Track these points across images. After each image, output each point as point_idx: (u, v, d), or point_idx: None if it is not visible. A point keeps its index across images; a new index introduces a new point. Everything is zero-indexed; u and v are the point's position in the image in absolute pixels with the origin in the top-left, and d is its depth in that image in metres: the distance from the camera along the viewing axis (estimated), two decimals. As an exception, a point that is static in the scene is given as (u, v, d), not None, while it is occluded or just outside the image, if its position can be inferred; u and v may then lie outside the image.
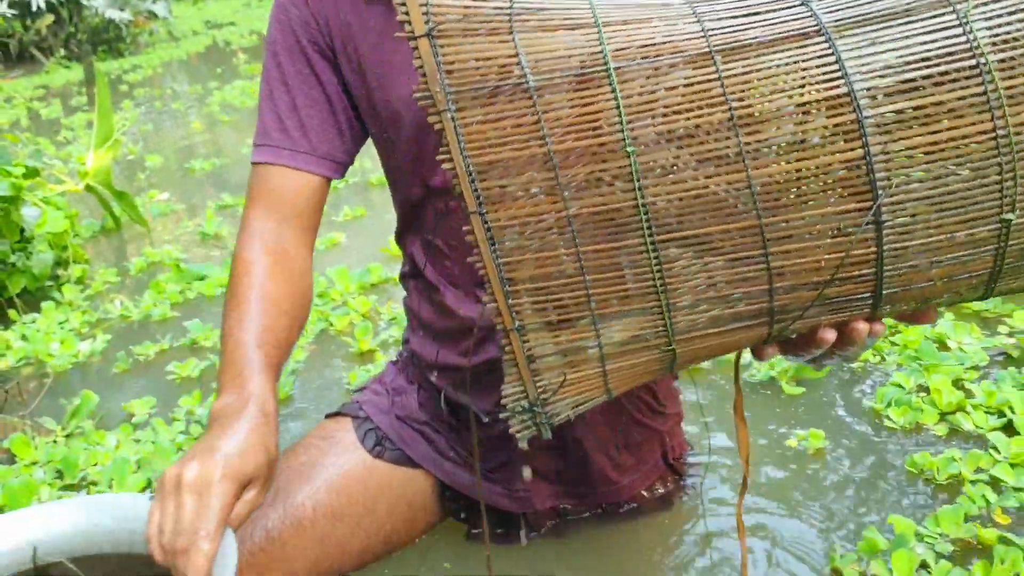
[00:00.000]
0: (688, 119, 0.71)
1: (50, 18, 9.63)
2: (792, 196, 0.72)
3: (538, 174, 0.72)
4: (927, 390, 1.66)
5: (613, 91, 0.71)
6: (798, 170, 0.71)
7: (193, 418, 1.97)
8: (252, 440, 0.94)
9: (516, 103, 0.72)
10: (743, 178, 0.71)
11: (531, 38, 0.72)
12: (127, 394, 2.14)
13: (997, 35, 0.69)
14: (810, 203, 0.72)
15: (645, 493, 1.42)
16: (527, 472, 1.01)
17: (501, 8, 0.72)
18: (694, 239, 0.73)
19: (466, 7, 0.72)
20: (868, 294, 0.76)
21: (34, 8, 9.42)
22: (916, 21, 0.70)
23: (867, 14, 0.71)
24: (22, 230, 2.77)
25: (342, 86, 1.21)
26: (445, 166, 0.74)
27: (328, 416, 1.43)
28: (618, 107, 0.71)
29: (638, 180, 0.72)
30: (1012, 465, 1.40)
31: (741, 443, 0.96)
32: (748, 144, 0.71)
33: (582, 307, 0.76)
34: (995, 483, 1.38)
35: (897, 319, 0.85)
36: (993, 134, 0.69)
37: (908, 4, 0.71)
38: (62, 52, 9.49)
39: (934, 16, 0.70)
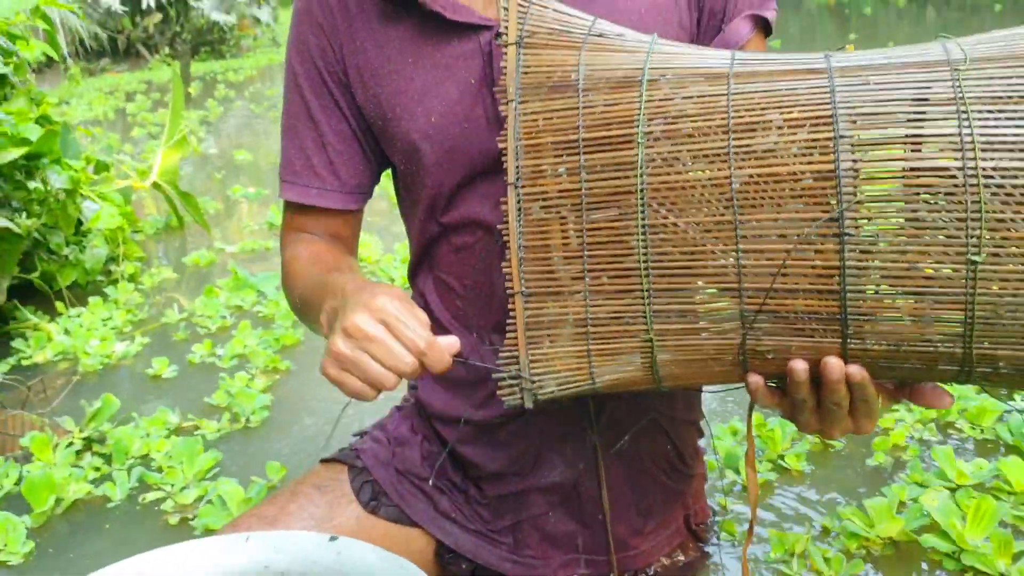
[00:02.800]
0: (693, 122, 0.82)
1: (158, 16, 9.94)
2: (765, 198, 0.79)
3: (567, 157, 0.86)
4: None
5: (640, 94, 0.84)
6: (774, 174, 0.78)
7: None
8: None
9: (566, 99, 0.87)
10: (727, 175, 0.80)
11: (594, 55, 0.88)
12: (150, 404, 2.08)
13: (984, 95, 0.73)
14: (780, 206, 0.78)
15: (665, 560, 1.29)
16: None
17: (581, 30, 0.89)
18: (679, 227, 0.82)
19: (554, 28, 0.89)
20: (834, 315, 0.78)
21: (144, 6, 9.72)
22: (912, 71, 0.77)
23: (870, 64, 0.79)
24: (79, 223, 2.76)
25: (360, 114, 1.15)
26: (500, 145, 0.89)
27: (323, 461, 1.33)
28: (640, 107, 0.84)
29: (642, 167, 0.83)
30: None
31: (751, 490, 0.97)
32: (736, 147, 0.80)
33: (578, 282, 0.87)
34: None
35: (903, 397, 0.85)
36: (961, 173, 0.72)
37: (906, 59, 0.78)
38: (166, 50, 9.75)
39: (931, 71, 0.76)
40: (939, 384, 0.84)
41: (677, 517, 1.30)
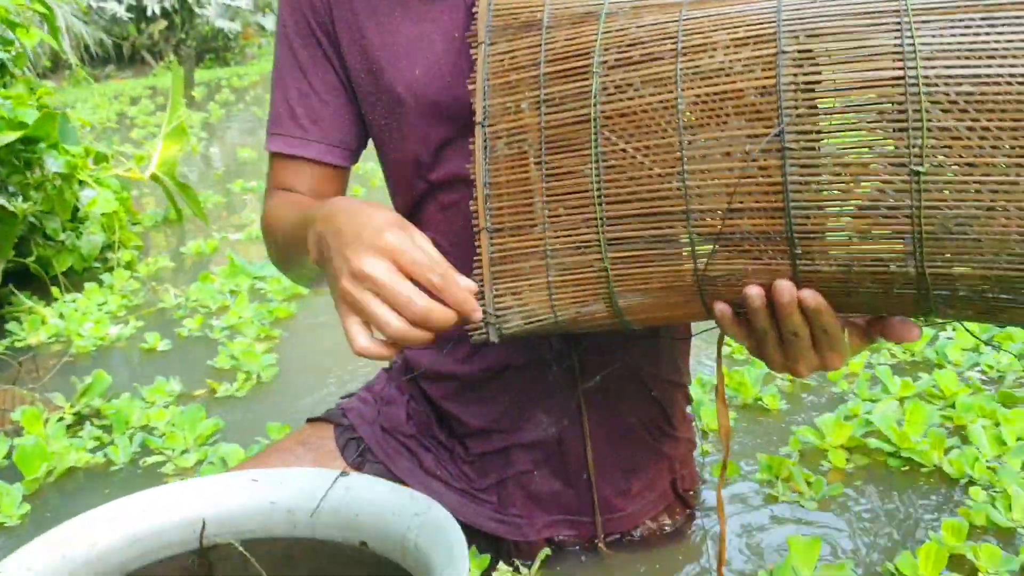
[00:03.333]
0: (645, 48, 0.82)
1: (164, 24, 9.99)
2: (710, 117, 0.79)
3: (529, 92, 0.88)
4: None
5: (597, 27, 0.85)
6: (718, 93, 0.78)
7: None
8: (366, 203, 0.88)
9: (530, 37, 0.89)
10: (673, 97, 0.80)
11: None
12: (147, 377, 2.08)
13: (927, 4, 0.73)
14: (724, 124, 0.78)
15: (651, 524, 1.27)
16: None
17: None
18: (629, 152, 0.83)
19: None
20: (781, 234, 0.77)
21: (149, 13, 9.78)
22: None
23: None
24: (76, 210, 2.76)
25: (347, 71, 1.15)
26: (469, 87, 0.91)
27: (309, 420, 1.33)
28: (597, 38, 0.85)
29: (595, 96, 0.84)
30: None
31: (722, 426, 0.97)
32: (684, 69, 0.80)
33: (538, 213, 0.88)
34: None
35: (874, 332, 0.84)
36: (903, 82, 0.72)
37: None
38: (171, 57, 9.80)
39: None
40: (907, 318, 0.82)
41: (663, 480, 1.28)
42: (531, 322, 0.91)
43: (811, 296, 0.79)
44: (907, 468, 1.45)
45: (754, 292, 0.80)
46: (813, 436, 1.54)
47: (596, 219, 0.85)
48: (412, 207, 1.18)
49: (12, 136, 2.44)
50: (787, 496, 1.39)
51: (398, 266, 0.79)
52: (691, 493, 1.33)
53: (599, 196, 0.85)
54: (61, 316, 2.50)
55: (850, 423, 1.55)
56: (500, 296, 0.91)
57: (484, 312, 0.90)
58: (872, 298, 0.78)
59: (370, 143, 1.20)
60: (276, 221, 1.11)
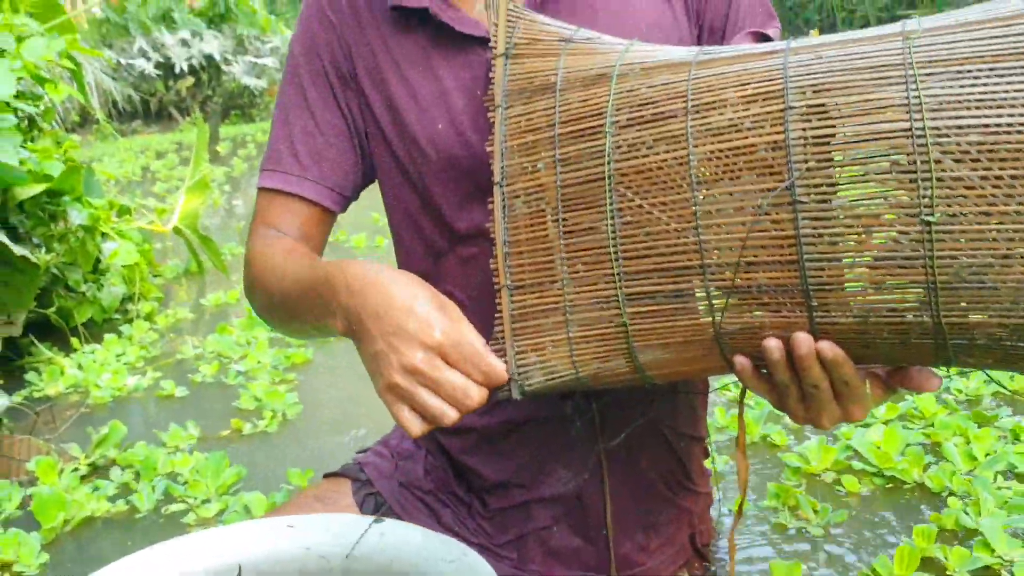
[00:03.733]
0: (656, 107, 0.84)
1: (191, 80, 10.18)
2: (722, 173, 0.80)
3: (545, 152, 0.90)
4: None
5: (610, 88, 0.87)
6: (728, 149, 0.79)
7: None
8: (392, 276, 0.92)
9: (545, 100, 0.91)
10: (685, 154, 0.81)
11: (573, 58, 0.92)
12: (161, 426, 2.09)
13: (932, 58, 0.73)
14: (736, 179, 0.79)
15: None
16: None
17: (561, 40, 0.94)
18: (644, 209, 0.84)
19: (539, 39, 0.94)
20: (797, 286, 0.77)
21: (177, 70, 9.97)
22: (864, 44, 0.77)
23: (824, 41, 0.80)
24: (98, 261, 2.78)
25: (360, 119, 1.15)
26: (488, 149, 0.94)
27: (326, 476, 1.32)
28: (610, 99, 0.87)
29: (609, 155, 0.86)
30: None
31: (740, 474, 0.97)
32: (695, 126, 0.81)
33: (556, 271, 0.89)
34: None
35: (894, 383, 0.82)
36: (911, 133, 0.72)
37: (861, 35, 0.79)
38: (197, 112, 9.97)
39: (882, 42, 0.77)
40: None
41: (683, 535, 1.26)
42: (553, 379, 0.91)
43: (829, 348, 0.78)
44: (891, 486, 1.56)
45: (772, 344, 0.80)
46: (799, 461, 1.64)
47: (614, 275, 0.86)
48: (430, 260, 1.17)
49: (37, 188, 2.47)
50: (794, 524, 1.47)
51: (447, 360, 0.86)
52: (709, 548, 1.31)
53: (616, 252, 0.86)
54: (80, 367, 2.51)
55: (834, 447, 1.65)
56: (522, 353, 0.91)
57: (505, 369, 0.90)
58: (890, 348, 0.77)
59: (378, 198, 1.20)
60: (268, 270, 1.08)
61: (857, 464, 1.62)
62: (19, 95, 2.67)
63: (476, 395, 0.86)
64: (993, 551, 1.30)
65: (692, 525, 1.27)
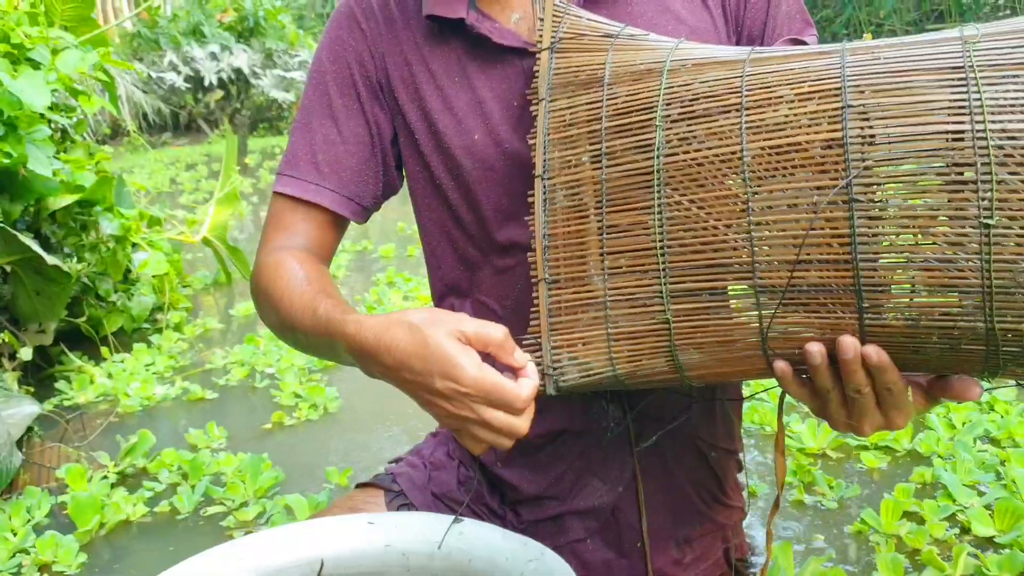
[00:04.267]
0: (708, 101, 0.83)
1: (220, 94, 10.27)
2: (775, 170, 0.79)
3: (589, 146, 0.89)
4: None
5: (660, 82, 0.86)
6: (783, 146, 0.79)
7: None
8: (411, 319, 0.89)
9: (590, 93, 0.90)
10: (738, 149, 0.80)
11: (620, 53, 0.91)
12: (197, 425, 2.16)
13: (992, 61, 0.73)
14: (791, 177, 0.78)
15: None
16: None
17: (607, 36, 0.93)
18: (693, 204, 0.82)
19: (585, 34, 0.93)
20: (849, 287, 0.76)
21: (206, 83, 10.07)
22: (923, 47, 0.77)
23: (882, 43, 0.80)
24: (128, 271, 2.80)
25: (390, 129, 1.14)
26: (530, 141, 0.92)
27: (359, 486, 1.30)
28: (660, 93, 0.86)
29: (659, 148, 0.84)
30: None
31: (779, 475, 0.97)
32: (748, 121, 0.80)
33: (598, 264, 0.87)
34: None
35: (936, 392, 0.81)
36: (970, 135, 0.71)
37: (919, 38, 0.79)
38: (226, 125, 10.06)
39: (942, 44, 0.76)
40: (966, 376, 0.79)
41: (717, 550, 1.24)
42: (589, 375, 0.89)
43: (875, 352, 0.77)
44: (888, 457, 1.77)
45: (815, 349, 0.79)
46: (795, 442, 1.81)
47: (659, 270, 0.85)
48: (463, 270, 1.16)
49: (70, 199, 2.49)
50: (809, 499, 1.62)
51: (488, 403, 0.85)
52: (743, 563, 1.29)
53: (662, 247, 0.85)
54: (109, 376, 2.53)
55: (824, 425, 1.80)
56: (557, 348, 0.90)
57: (540, 364, 0.89)
58: (939, 355, 0.76)
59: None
60: (281, 291, 1.05)
61: (852, 440, 1.79)
62: (53, 107, 2.70)
63: (521, 425, 0.86)
64: (955, 500, 1.53)
65: (726, 539, 1.25)
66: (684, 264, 0.84)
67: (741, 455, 1.27)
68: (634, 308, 0.87)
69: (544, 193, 0.91)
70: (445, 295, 1.21)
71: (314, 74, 1.15)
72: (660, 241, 0.84)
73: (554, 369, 0.90)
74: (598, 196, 0.88)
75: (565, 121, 0.91)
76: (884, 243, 0.75)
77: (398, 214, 4.37)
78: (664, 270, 0.84)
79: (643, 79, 0.87)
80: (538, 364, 0.89)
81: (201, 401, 2.38)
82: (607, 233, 0.87)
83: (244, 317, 3.14)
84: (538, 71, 0.93)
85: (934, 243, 0.73)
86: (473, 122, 1.06)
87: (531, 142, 0.92)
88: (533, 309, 0.91)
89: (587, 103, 0.90)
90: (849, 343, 0.77)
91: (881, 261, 0.75)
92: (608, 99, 0.88)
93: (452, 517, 0.91)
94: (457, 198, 1.11)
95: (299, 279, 1.05)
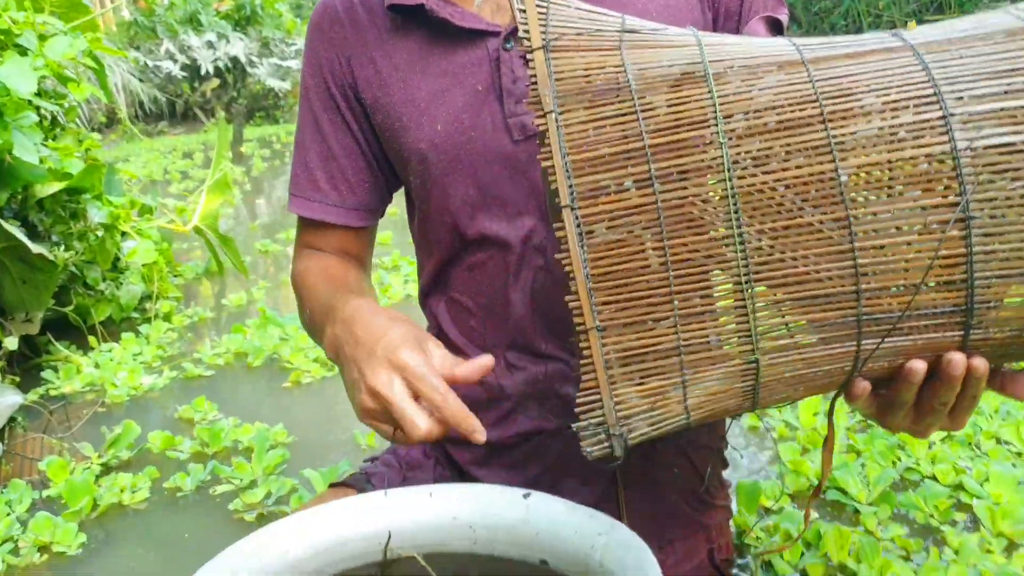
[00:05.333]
0: (780, 114, 0.74)
1: (216, 82, 10.21)
2: (879, 188, 0.72)
3: (632, 168, 0.76)
4: None
5: (709, 90, 0.75)
6: (886, 161, 0.72)
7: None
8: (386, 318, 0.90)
9: (618, 104, 0.76)
10: (831, 168, 0.72)
11: (637, 53, 0.78)
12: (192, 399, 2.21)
13: None
14: (897, 196, 0.72)
15: None
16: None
17: (613, 28, 0.80)
18: (781, 230, 0.73)
19: (582, 28, 0.80)
20: (958, 308, 0.72)
21: (203, 72, 10.02)
22: (999, 42, 0.73)
23: (950, 37, 0.75)
24: (117, 260, 2.78)
25: (371, 133, 1.14)
26: (544, 163, 0.77)
27: (332, 486, 1.29)
28: (714, 103, 0.75)
29: (729, 170, 0.73)
30: None
31: (825, 464, 0.91)
32: (836, 136, 0.72)
33: (664, 306, 0.76)
34: None
35: (992, 388, 0.78)
36: None
37: (984, 30, 0.74)
38: (222, 114, 10.01)
39: (1017, 39, 0.73)
40: None
41: (700, 551, 1.22)
42: (660, 426, 0.79)
43: (982, 364, 0.74)
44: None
45: (919, 367, 0.75)
46: (785, 428, 1.86)
47: (746, 307, 0.75)
48: (439, 270, 1.15)
49: (57, 187, 2.47)
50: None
51: (407, 383, 0.83)
52: (727, 562, 1.27)
53: (746, 280, 0.75)
54: (97, 365, 2.50)
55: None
56: (621, 403, 0.78)
57: (602, 422, 0.78)
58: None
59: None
60: (306, 290, 1.12)
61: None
62: (41, 93, 2.67)
63: (421, 429, 0.81)
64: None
65: (710, 540, 1.23)
66: (773, 298, 0.75)
67: (727, 452, 1.25)
68: (713, 351, 0.77)
69: (578, 225, 0.77)
70: (428, 294, 1.20)
71: (301, 90, 1.16)
72: (745, 274, 0.75)
73: (620, 425, 0.78)
74: (656, 226, 0.75)
75: (589, 138, 0.77)
76: (1002, 259, 0.71)
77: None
78: (752, 306, 0.75)
79: (683, 86, 0.76)
80: (600, 423, 0.78)
81: (197, 379, 2.44)
82: (674, 269, 0.76)
83: (236, 307, 3.12)
84: (534, 76, 0.79)
85: None
86: (436, 111, 1.04)
87: (545, 164, 0.78)
88: (585, 363, 0.78)
89: (616, 116, 0.76)
90: (959, 361, 0.74)
91: (996, 278, 0.72)
92: (643, 111, 0.76)
93: (520, 490, 0.88)
94: (426, 193, 1.10)
95: (320, 271, 1.11)
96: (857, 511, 1.52)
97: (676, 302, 0.76)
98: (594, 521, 0.83)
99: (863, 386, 0.77)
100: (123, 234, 2.88)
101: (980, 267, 0.71)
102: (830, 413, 0.89)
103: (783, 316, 0.76)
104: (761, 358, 0.77)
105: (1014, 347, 0.73)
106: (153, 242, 2.90)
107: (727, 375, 0.77)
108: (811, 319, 0.75)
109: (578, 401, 0.78)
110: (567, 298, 0.78)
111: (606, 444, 0.78)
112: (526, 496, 0.87)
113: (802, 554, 1.40)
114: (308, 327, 1.13)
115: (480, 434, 0.82)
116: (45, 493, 1.76)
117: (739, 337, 0.77)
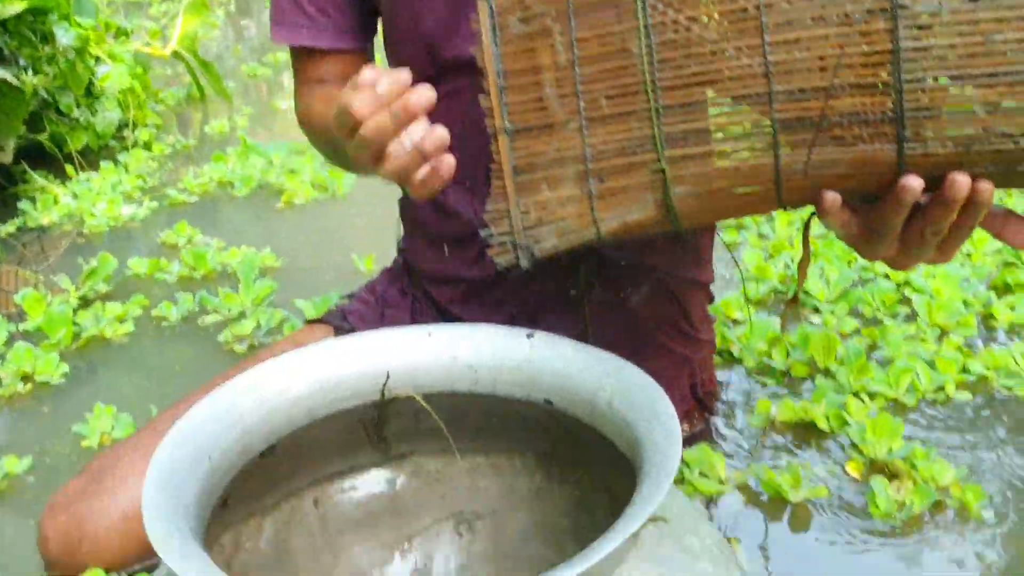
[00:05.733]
0: None
1: None
2: None
3: None
4: None
5: None
6: None
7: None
8: None
9: None
10: None
11: None
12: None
13: None
14: None
15: None
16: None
17: None
18: (690, 26, 0.68)
19: None
20: (887, 115, 0.65)
21: None
22: None
23: None
24: (90, 85, 2.66)
25: None
26: None
27: (308, 322, 1.30)
28: None
29: None
30: None
31: (800, 280, 0.85)
32: None
33: (570, 107, 0.72)
34: None
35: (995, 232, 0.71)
36: None
37: None
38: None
39: None
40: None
41: (683, 384, 1.22)
42: (567, 239, 0.76)
43: (987, 188, 0.66)
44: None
45: (913, 183, 0.66)
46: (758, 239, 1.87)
47: (650, 110, 0.70)
48: None
49: (19, 7, 2.32)
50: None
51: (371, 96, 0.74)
52: (710, 395, 1.28)
53: (653, 81, 0.70)
54: (75, 196, 2.44)
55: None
56: (527, 212, 0.75)
57: (511, 231, 0.75)
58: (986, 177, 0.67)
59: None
60: (313, 119, 1.08)
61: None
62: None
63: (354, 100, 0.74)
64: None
65: (693, 374, 1.23)
66: (682, 100, 0.70)
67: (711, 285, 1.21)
68: (620, 159, 0.72)
69: (492, 17, 0.72)
70: None
71: None
72: (650, 73, 0.70)
73: (527, 237, 0.75)
74: (566, 18, 0.70)
75: None
76: (936, 58, 0.63)
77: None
78: (657, 109, 0.70)
79: None
80: (506, 232, 0.75)
81: (183, 205, 2.42)
82: (580, 66, 0.71)
83: (219, 135, 3.03)
84: None
85: (1000, 51, 0.62)
86: None
87: None
88: (492, 164, 0.75)
89: None
90: (962, 182, 0.66)
91: (928, 81, 0.64)
92: None
93: (524, 330, 0.85)
94: (399, 11, 1.05)
95: (322, 108, 1.04)
96: (817, 309, 1.59)
97: (583, 104, 0.72)
98: (600, 362, 0.80)
99: (833, 198, 0.70)
100: (97, 59, 2.75)
101: (909, 67, 0.64)
102: (805, 231, 0.84)
103: (689, 122, 0.70)
104: (668, 167, 0.72)
105: (965, 167, 0.66)
106: (127, 66, 2.77)
107: (635, 186, 0.73)
108: (718, 123, 0.70)
109: (487, 209, 0.76)
110: (479, 95, 0.74)
111: (512, 253, 0.76)
112: (529, 336, 0.84)
113: (788, 354, 1.43)
114: (332, 159, 1.13)
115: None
116: (22, 327, 1.73)
117: (644, 145, 0.72)
